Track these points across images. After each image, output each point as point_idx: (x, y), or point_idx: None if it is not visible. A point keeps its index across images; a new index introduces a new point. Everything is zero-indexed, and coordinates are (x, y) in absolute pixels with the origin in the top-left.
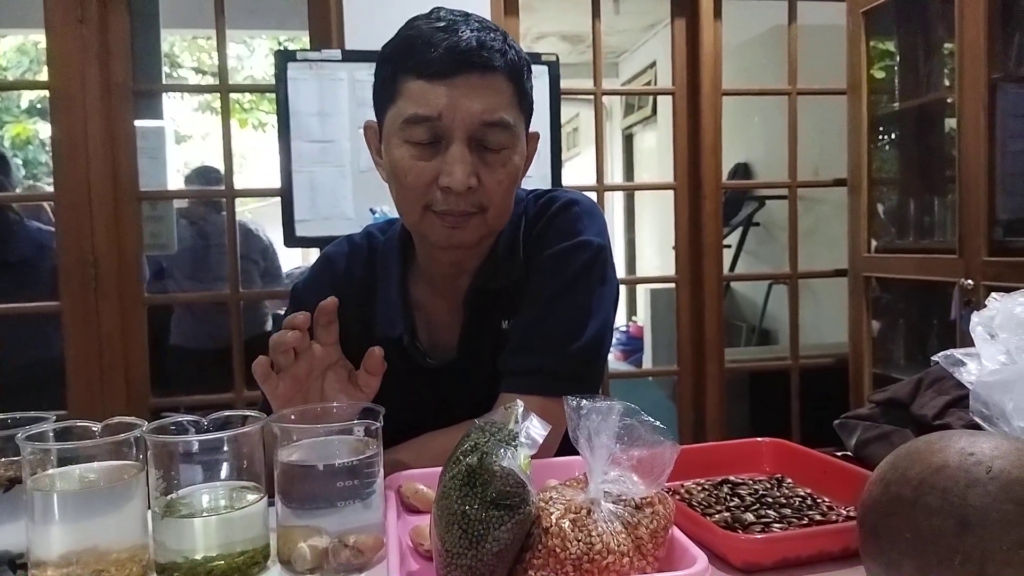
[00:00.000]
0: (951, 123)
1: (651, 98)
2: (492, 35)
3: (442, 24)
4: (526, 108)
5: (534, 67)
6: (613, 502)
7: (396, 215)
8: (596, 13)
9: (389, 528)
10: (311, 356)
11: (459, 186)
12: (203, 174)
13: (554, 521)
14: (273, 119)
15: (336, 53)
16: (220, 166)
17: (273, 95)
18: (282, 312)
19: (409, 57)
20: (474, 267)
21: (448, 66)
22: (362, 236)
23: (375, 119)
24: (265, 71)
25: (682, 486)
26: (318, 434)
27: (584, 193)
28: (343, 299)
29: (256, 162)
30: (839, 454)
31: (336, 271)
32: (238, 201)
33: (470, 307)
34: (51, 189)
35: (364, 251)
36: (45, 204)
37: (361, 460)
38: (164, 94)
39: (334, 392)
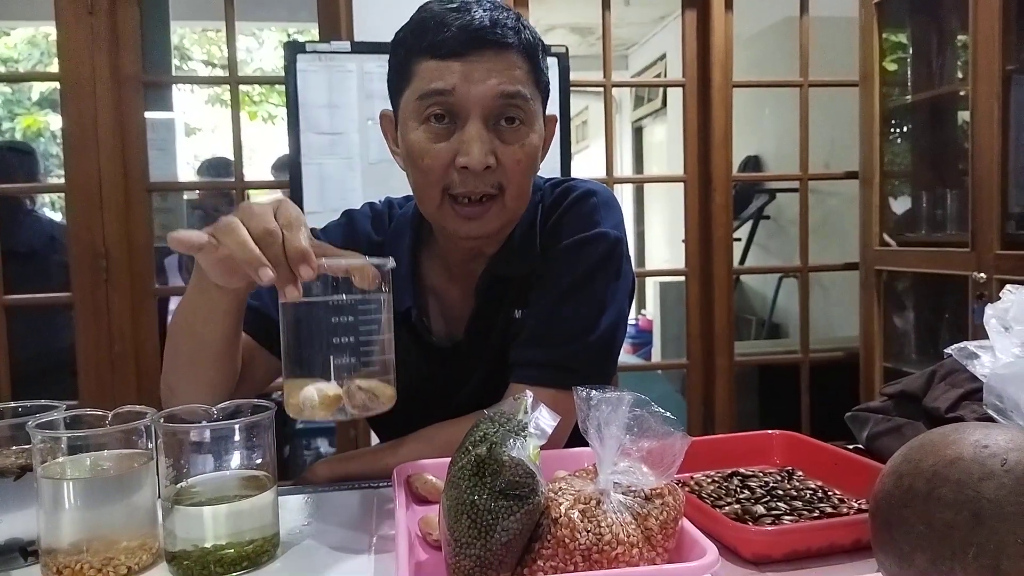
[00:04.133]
0: (964, 116)
1: (661, 90)
2: (505, 14)
3: (454, 5)
4: (542, 87)
5: None
6: (623, 493)
7: None
8: (606, 5)
9: (398, 518)
10: None
11: (477, 165)
12: (215, 165)
13: (563, 511)
14: (282, 111)
15: (345, 45)
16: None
17: (282, 87)
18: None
19: (422, 39)
20: (490, 253)
21: (461, 44)
22: (384, 204)
23: (391, 108)
24: (274, 63)
25: (692, 478)
26: (322, 270)
27: (602, 183)
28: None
29: (265, 154)
30: (850, 447)
31: (357, 229)
32: (247, 193)
33: (482, 293)
34: (62, 180)
35: (384, 219)
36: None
37: (366, 296)
38: (174, 86)
39: None
